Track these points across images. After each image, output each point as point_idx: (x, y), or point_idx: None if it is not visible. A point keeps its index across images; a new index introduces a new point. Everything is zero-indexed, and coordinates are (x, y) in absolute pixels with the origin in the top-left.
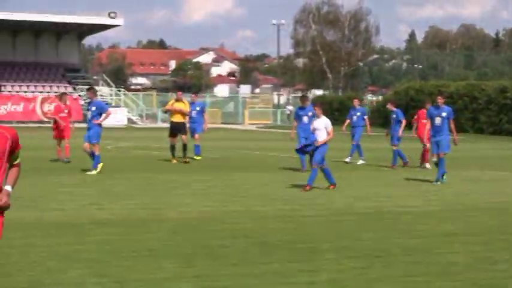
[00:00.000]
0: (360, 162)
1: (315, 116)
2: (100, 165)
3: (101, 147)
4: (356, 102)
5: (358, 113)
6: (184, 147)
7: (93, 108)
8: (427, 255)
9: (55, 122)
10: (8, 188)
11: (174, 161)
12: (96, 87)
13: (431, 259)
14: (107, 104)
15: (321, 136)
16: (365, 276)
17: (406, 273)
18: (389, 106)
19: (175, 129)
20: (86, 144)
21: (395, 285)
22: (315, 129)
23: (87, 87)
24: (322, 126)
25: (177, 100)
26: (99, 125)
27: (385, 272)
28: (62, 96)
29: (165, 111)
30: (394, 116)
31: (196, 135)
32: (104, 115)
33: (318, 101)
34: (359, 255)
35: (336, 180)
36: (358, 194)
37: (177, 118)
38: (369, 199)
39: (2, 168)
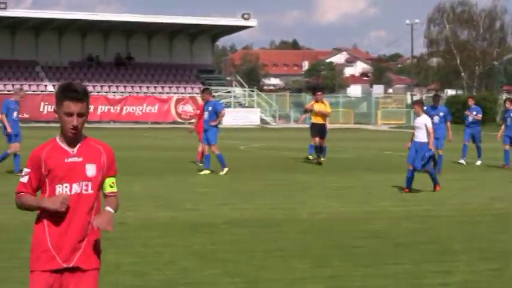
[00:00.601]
0: (462, 161)
1: (447, 116)
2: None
3: (234, 148)
4: (471, 101)
5: (474, 112)
6: (320, 149)
7: (210, 109)
8: None
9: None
10: (109, 209)
11: (319, 162)
12: (230, 88)
13: None
14: (222, 103)
15: (422, 135)
16: (500, 278)
17: None
18: (508, 105)
19: (315, 130)
20: (206, 147)
21: None
22: (415, 128)
23: (222, 88)
24: (422, 125)
25: (317, 101)
26: (216, 126)
27: None
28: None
29: (305, 111)
30: None
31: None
32: (220, 116)
33: (417, 100)
34: (493, 256)
35: (468, 181)
36: (492, 194)
37: (318, 119)
38: (503, 200)
39: (95, 189)
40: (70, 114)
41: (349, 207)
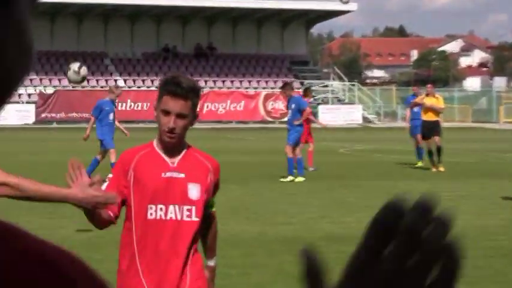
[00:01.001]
0: None
1: None
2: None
3: (333, 150)
4: None
5: None
6: (438, 150)
7: (293, 106)
8: None
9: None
10: (213, 263)
11: (434, 169)
12: (327, 82)
13: None
14: (305, 100)
15: None
16: None
17: None
18: None
19: (427, 129)
20: (297, 150)
21: None
22: None
23: (318, 81)
24: None
25: (428, 94)
26: (300, 125)
27: None
28: (307, 92)
29: (414, 105)
30: None
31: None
32: (304, 114)
33: None
34: None
35: None
36: None
37: (429, 116)
38: None
39: (199, 215)
40: (167, 113)
41: (469, 220)
